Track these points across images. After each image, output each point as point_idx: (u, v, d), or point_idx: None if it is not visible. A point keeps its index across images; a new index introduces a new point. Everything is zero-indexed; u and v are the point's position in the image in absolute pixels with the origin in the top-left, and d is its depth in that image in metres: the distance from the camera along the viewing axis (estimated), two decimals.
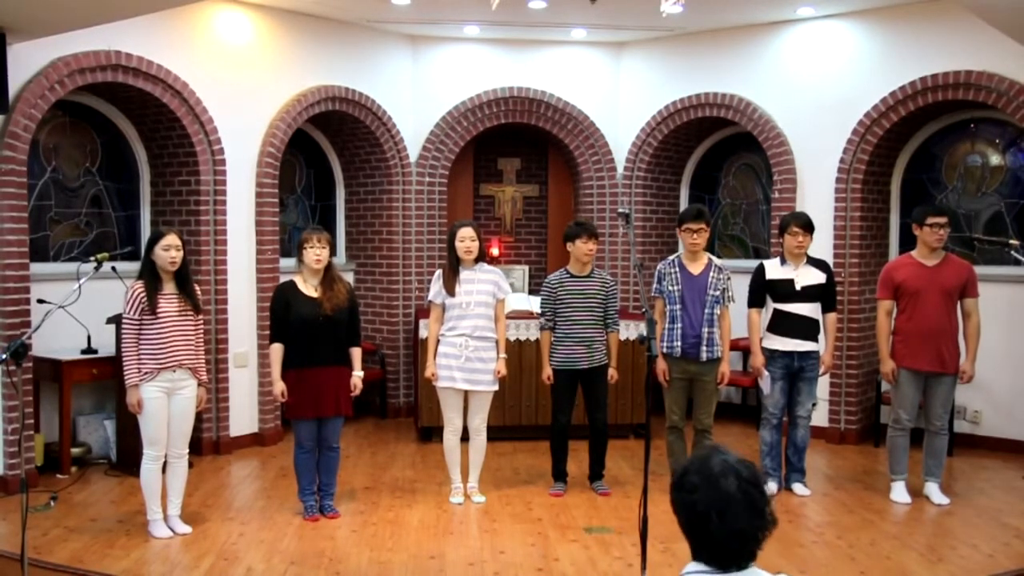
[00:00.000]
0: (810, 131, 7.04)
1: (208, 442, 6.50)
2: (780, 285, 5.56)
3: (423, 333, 6.45)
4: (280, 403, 5.16)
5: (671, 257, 5.64)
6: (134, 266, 5.35)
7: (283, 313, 5.00)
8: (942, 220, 5.30)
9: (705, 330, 5.42)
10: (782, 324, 5.54)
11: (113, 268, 5.84)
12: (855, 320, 6.87)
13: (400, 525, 5.02)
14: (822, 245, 6.62)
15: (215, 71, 6.47)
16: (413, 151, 7.80)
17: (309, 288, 5.04)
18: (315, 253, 4.99)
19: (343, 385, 5.09)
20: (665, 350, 5.49)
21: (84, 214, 6.54)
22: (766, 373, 5.55)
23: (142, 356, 4.66)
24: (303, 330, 4.97)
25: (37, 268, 5.91)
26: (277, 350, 5.02)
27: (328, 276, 5.07)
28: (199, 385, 4.87)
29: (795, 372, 5.57)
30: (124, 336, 4.77)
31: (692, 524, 1.94)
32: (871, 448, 6.76)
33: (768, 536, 1.95)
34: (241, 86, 6.64)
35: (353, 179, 8.05)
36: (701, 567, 1.95)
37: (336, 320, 5.02)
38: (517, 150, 8.57)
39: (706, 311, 5.43)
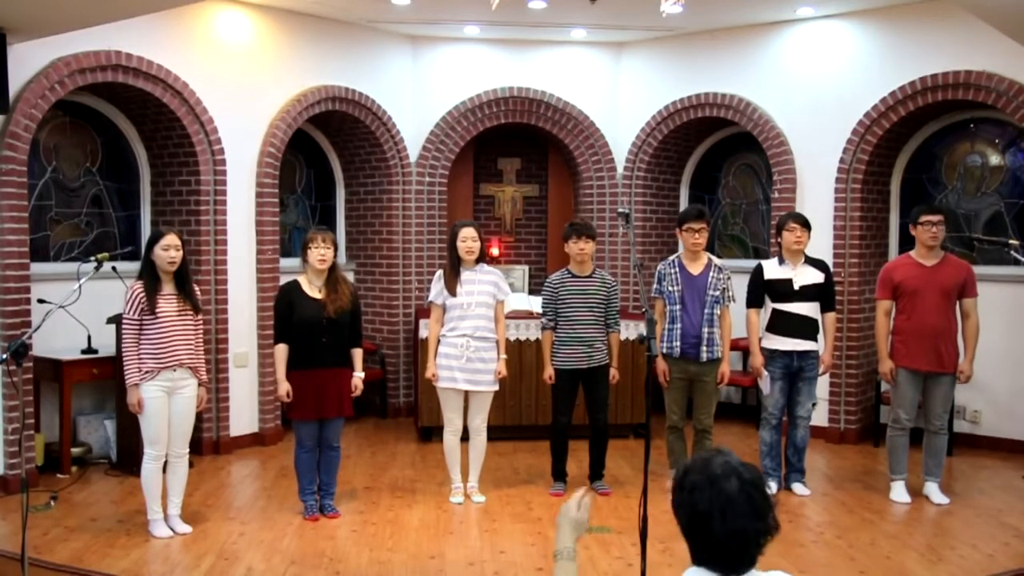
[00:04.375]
0: (810, 131, 7.04)
1: (208, 442, 6.50)
2: (778, 285, 5.57)
3: (423, 333, 6.45)
4: (281, 403, 5.16)
5: (671, 257, 5.64)
6: (134, 266, 5.35)
7: (286, 314, 5.00)
8: (934, 218, 5.31)
9: (705, 330, 5.42)
10: (781, 324, 5.54)
11: (113, 268, 5.85)
12: (855, 320, 6.87)
13: (400, 525, 5.02)
14: (822, 245, 6.63)
15: (215, 71, 6.47)
16: (413, 151, 7.80)
17: (313, 289, 5.04)
18: (319, 253, 4.98)
19: (345, 386, 5.09)
20: (665, 350, 5.49)
21: (84, 214, 6.55)
22: (765, 373, 5.55)
23: (142, 356, 4.66)
24: (306, 332, 4.97)
25: (37, 268, 5.91)
26: (282, 351, 5.02)
27: (332, 277, 5.07)
28: (199, 385, 4.87)
29: (795, 372, 5.57)
30: (124, 336, 4.78)
31: (693, 524, 1.93)
32: (871, 448, 6.76)
33: (769, 541, 1.94)
34: (241, 86, 6.65)
35: (353, 179, 8.06)
36: (702, 571, 1.95)
37: (339, 323, 5.02)
38: (517, 150, 8.57)
39: (706, 311, 5.43)
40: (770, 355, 5.56)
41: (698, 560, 1.96)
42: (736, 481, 1.91)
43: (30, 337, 4.50)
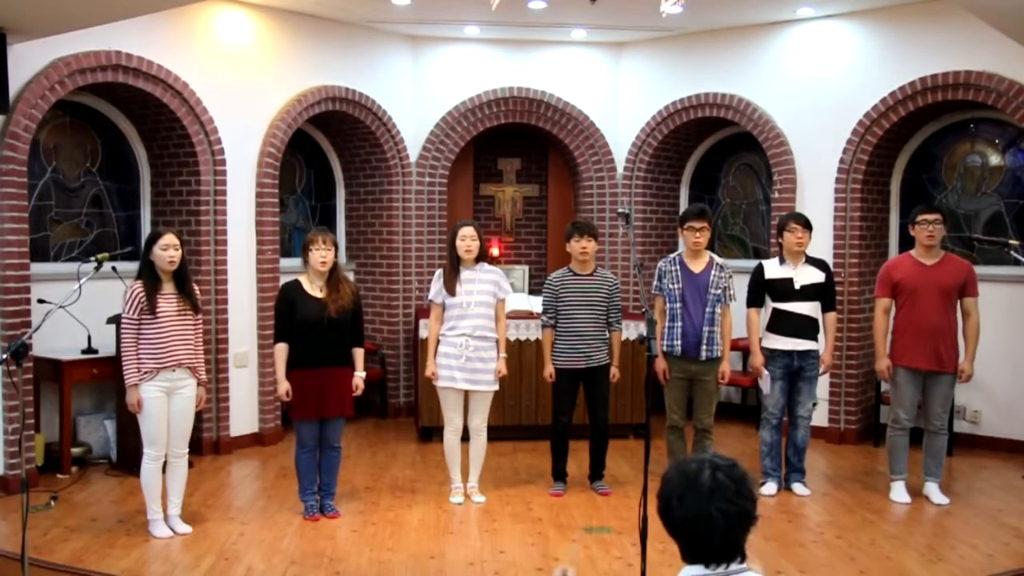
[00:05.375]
0: (810, 131, 7.04)
1: (208, 442, 6.50)
2: (779, 284, 5.57)
3: (423, 333, 6.45)
4: (282, 403, 5.16)
5: (672, 255, 5.64)
6: (134, 266, 5.33)
7: (288, 313, 5.00)
8: (931, 217, 5.31)
9: (706, 329, 5.42)
10: (781, 323, 5.54)
11: (113, 268, 5.85)
12: (855, 320, 6.87)
13: (400, 525, 5.02)
14: (822, 245, 6.63)
15: (215, 71, 6.47)
16: (413, 151, 7.80)
17: (315, 289, 5.04)
18: (320, 255, 4.98)
19: (346, 386, 5.09)
20: (665, 349, 5.48)
21: (84, 214, 6.55)
22: (766, 373, 5.55)
23: (141, 356, 4.66)
24: (307, 331, 4.97)
25: (37, 268, 5.91)
26: (282, 350, 5.02)
27: (334, 277, 5.07)
28: (198, 385, 4.87)
29: (795, 372, 5.57)
30: (123, 336, 4.77)
31: (663, 513, 1.97)
32: (871, 448, 6.76)
33: (748, 530, 1.95)
34: (241, 86, 6.64)
35: (353, 179, 8.06)
36: (693, 569, 1.96)
37: (340, 322, 5.02)
38: (517, 150, 8.57)
39: (707, 310, 5.42)
40: (770, 355, 5.56)
41: (683, 556, 2.00)
42: (707, 469, 1.94)
43: (30, 337, 4.50)
